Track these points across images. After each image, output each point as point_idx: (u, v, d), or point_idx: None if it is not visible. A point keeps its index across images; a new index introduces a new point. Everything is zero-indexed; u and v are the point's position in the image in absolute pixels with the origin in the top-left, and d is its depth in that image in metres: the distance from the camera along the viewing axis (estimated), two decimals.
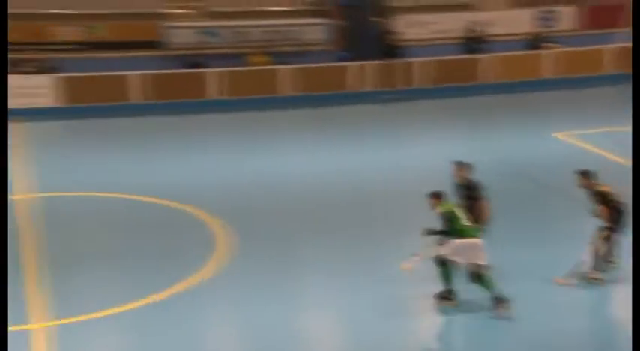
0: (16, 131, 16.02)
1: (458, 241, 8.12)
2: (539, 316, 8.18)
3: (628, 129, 14.44)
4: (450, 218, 8.18)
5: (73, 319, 8.02)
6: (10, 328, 7.50)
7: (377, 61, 19.94)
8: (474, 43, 20.56)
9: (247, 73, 19.17)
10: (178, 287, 8.78)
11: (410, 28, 20.91)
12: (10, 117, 16.47)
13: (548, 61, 20.05)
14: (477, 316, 8.20)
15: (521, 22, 21.04)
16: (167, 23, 19.55)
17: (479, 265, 8.10)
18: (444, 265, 8.26)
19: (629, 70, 20.70)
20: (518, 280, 8.76)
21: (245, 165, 13.86)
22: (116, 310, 8.26)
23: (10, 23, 17.93)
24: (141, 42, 19.38)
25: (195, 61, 19.30)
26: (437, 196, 8.34)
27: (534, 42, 20.59)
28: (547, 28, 21.05)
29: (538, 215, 11.50)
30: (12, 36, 17.81)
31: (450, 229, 8.15)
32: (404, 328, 8.17)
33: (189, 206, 11.47)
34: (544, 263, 9.53)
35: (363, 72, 19.85)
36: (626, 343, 6.70)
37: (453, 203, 8.50)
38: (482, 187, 8.81)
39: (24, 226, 10.70)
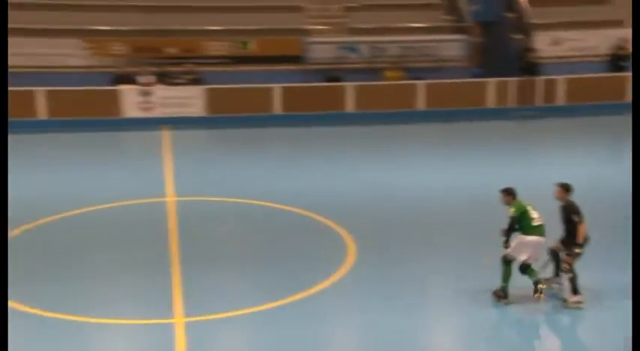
0: (167, 138, 17.54)
1: (524, 238, 8.76)
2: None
3: None
4: (520, 215, 8.75)
5: (208, 317, 8.55)
6: (153, 321, 8.44)
7: (515, 78, 19.82)
8: (620, 60, 19.85)
9: (382, 88, 19.71)
10: (307, 292, 9.19)
11: (551, 45, 20.57)
12: (164, 124, 18.18)
13: None
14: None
15: None
16: (309, 39, 20.47)
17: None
18: (507, 264, 8.83)
19: None
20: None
21: (376, 177, 14.25)
22: (247, 310, 8.71)
23: (168, 38, 19.79)
24: (284, 56, 20.41)
25: (333, 75, 20.10)
26: (509, 193, 8.93)
27: None
28: None
29: None
30: (170, 50, 19.73)
31: (520, 226, 8.75)
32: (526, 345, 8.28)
33: (320, 216, 11.94)
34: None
35: (500, 88, 19.80)
36: None
37: (526, 201, 8.91)
38: (579, 209, 8.72)
39: (171, 227, 11.53)
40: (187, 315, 8.64)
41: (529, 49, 20.26)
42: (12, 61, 18.47)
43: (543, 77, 19.70)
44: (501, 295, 8.92)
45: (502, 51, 21.97)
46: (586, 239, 8.79)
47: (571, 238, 8.74)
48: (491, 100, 19.64)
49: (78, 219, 11.82)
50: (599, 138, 17.54)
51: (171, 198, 12.90)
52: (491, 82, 19.84)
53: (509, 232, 8.82)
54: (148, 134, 17.90)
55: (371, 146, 17.12)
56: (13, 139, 16.79)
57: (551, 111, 19.40)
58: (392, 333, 8.26)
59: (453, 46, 20.88)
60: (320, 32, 21.00)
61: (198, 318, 8.55)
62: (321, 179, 14.20)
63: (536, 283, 8.86)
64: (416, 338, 8.34)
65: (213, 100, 18.92)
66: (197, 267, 9.96)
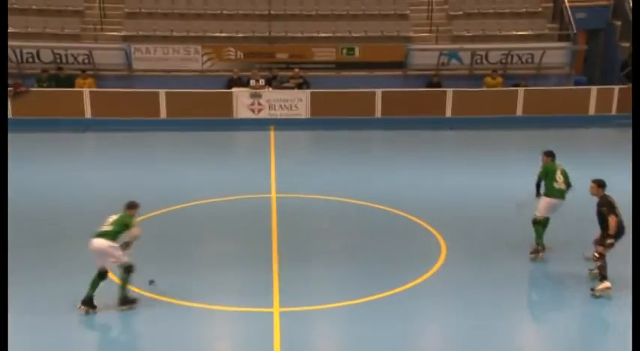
0: (274, 138, 18.73)
1: (544, 198, 10.55)
2: None
3: None
4: (546, 173, 10.57)
5: (303, 309, 9.12)
6: (253, 309, 9.02)
7: (619, 86, 19.70)
8: None
9: (481, 94, 20.12)
10: (399, 289, 9.65)
11: None
12: (271, 125, 19.36)
13: None
14: None
15: None
16: (411, 46, 21.17)
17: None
18: (535, 223, 10.71)
19: None
20: None
21: (469, 180, 14.72)
22: (338, 304, 9.17)
23: (278, 45, 21.03)
24: (388, 62, 21.18)
25: (434, 81, 20.70)
26: (548, 155, 10.84)
27: None
28: None
29: None
30: (279, 56, 21.00)
31: (544, 185, 10.57)
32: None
33: (414, 216, 12.51)
34: None
35: (603, 96, 19.74)
36: None
37: (560, 166, 10.67)
38: (611, 203, 9.48)
39: (273, 222, 12.22)
40: (284, 305, 9.13)
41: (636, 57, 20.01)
42: (138, 65, 20.55)
43: None
44: (537, 250, 10.64)
45: (606, 58, 21.83)
46: (619, 231, 9.33)
47: (604, 230, 9.41)
48: (593, 108, 19.64)
49: (190, 211, 12.77)
50: None
51: (274, 194, 13.70)
52: (594, 89, 19.82)
53: (536, 187, 10.76)
54: (257, 134, 19.15)
55: (467, 150, 17.60)
56: (138, 136, 18.71)
57: None
58: (478, 334, 8.63)
59: (555, 54, 20.97)
60: (423, 39, 21.65)
61: (293, 309, 9.04)
62: (417, 181, 14.77)
63: (537, 245, 10.68)
64: (503, 340, 8.67)
65: (318, 103, 19.97)
66: (295, 261, 10.56)
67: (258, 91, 20.03)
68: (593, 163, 15.86)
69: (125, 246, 9.05)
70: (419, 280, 10.02)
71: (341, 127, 19.46)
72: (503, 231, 12.00)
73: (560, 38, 21.27)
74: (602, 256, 9.45)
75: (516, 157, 16.65)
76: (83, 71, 20.30)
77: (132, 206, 9.22)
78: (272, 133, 19.01)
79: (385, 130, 19.62)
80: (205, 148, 18.00)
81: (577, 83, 20.55)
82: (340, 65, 21.16)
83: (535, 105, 19.83)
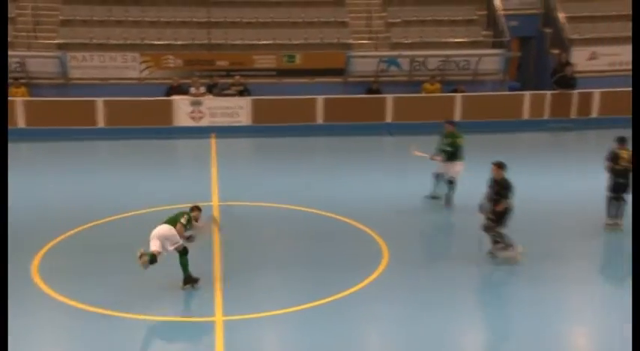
0: (215, 146, 18.61)
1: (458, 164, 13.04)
2: None
3: None
4: (451, 142, 13.12)
5: (247, 316, 9.09)
6: (194, 319, 8.99)
7: (550, 91, 20.37)
8: None
9: (420, 100, 20.48)
10: (344, 294, 9.73)
11: (587, 59, 21.03)
12: (212, 133, 19.21)
13: None
14: None
15: None
16: (351, 53, 21.39)
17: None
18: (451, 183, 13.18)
19: None
20: None
21: (413, 185, 14.81)
22: (284, 311, 9.21)
23: (218, 52, 20.92)
24: (328, 69, 21.34)
25: (373, 87, 20.96)
26: (453, 124, 13.59)
27: None
28: None
29: None
30: (220, 63, 20.88)
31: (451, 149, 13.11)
32: None
33: (357, 221, 12.61)
34: None
35: (536, 101, 20.37)
36: None
37: (462, 136, 13.06)
38: (510, 187, 10.48)
39: (214, 230, 11.92)
40: (227, 314, 9.10)
41: (566, 64, 20.76)
42: (74, 73, 20.10)
43: (579, 91, 20.18)
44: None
45: (538, 65, 22.54)
46: (505, 217, 10.49)
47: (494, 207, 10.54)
48: (526, 113, 20.25)
49: (129, 221, 12.58)
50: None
51: (216, 203, 13.64)
52: (527, 94, 20.44)
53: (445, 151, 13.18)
54: (198, 142, 19.01)
55: (407, 156, 17.73)
56: (74, 146, 18.29)
57: (587, 123, 19.85)
58: (423, 334, 8.81)
59: (490, 61, 21.53)
60: (363, 46, 21.91)
61: (236, 317, 9.02)
62: (359, 186, 14.90)
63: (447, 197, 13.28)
64: (447, 342, 8.81)
65: (259, 110, 19.96)
66: (238, 268, 10.54)
67: (198, 98, 19.88)
68: (528, 165, 16.36)
69: (190, 238, 9.89)
70: (362, 285, 10.11)
71: (283, 134, 19.48)
72: (444, 235, 12.25)
73: (495, 45, 21.86)
74: (491, 229, 10.62)
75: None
76: (16, 79, 19.74)
77: (197, 209, 10.21)
78: (213, 141, 18.89)
79: (327, 137, 19.74)
80: (144, 157, 17.75)
81: (511, 89, 21.15)
82: (281, 72, 21.21)
83: (472, 110, 20.30)
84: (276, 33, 21.82)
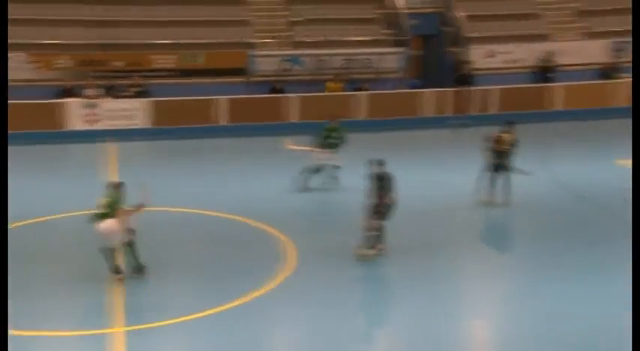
0: (112, 150, 17.85)
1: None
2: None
3: None
4: (339, 135, 14.28)
5: (148, 326, 8.75)
6: (89, 332, 8.50)
7: (450, 89, 20.79)
8: (546, 72, 21.00)
9: (325, 99, 20.42)
10: (247, 298, 9.51)
11: (484, 57, 21.60)
12: (109, 136, 18.43)
13: (618, 90, 20.25)
14: None
15: (593, 52, 21.32)
16: (254, 52, 21.08)
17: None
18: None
19: None
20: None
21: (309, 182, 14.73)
22: (186, 318, 8.93)
23: (114, 52, 20.11)
24: (230, 69, 20.96)
25: (277, 87, 20.73)
26: (334, 117, 14.08)
27: (607, 72, 20.83)
28: (620, 59, 21.22)
29: (590, 234, 12.07)
30: (116, 64, 20.07)
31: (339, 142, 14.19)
32: None
33: (263, 223, 12.41)
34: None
35: (437, 99, 20.73)
36: None
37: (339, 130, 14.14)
38: (391, 180, 10.69)
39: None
40: (128, 324, 8.80)
41: (464, 62, 21.26)
42: None
43: (478, 88, 20.69)
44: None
45: (438, 63, 22.99)
46: (388, 211, 10.62)
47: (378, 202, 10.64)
48: (425, 110, 20.57)
49: (16, 232, 11.75)
50: (529, 143, 18.37)
51: None
52: (428, 92, 20.77)
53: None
54: (93, 146, 18.17)
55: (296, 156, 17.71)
56: None
57: (485, 119, 20.36)
58: (330, 336, 8.70)
59: (391, 59, 21.77)
60: (265, 46, 21.65)
61: (138, 327, 8.73)
62: (266, 188, 14.67)
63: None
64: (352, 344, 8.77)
65: (159, 112, 19.33)
66: (140, 276, 10.15)
67: (93, 101, 19.01)
68: (429, 162, 16.64)
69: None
70: (269, 287, 9.93)
71: (184, 136, 18.96)
72: (352, 237, 12.20)
73: (396, 44, 22.10)
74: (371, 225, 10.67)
75: (362, 161, 16.92)
76: None
77: (117, 186, 10.12)
78: (110, 145, 18.12)
79: (230, 138, 19.36)
80: (34, 163, 16.80)
81: (411, 87, 21.45)
82: (182, 73, 20.65)
83: (376, 108, 20.43)
84: (175, 32, 21.20)
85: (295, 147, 14.36)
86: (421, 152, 17.83)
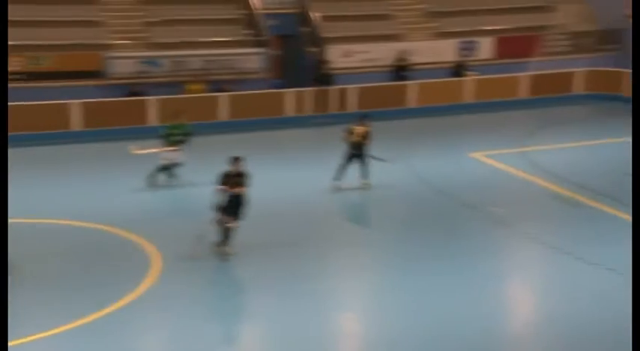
0: None
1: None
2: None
3: (537, 149, 15.93)
4: (184, 132, 14.41)
5: (11, 343, 8.21)
6: None
7: (311, 88, 21.08)
8: (401, 70, 21.87)
9: (185, 101, 20.01)
10: (110, 309, 9.26)
11: (342, 57, 22.12)
12: None
13: (467, 87, 21.51)
14: None
15: (444, 51, 22.48)
16: (109, 54, 20.27)
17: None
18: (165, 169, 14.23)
19: (540, 95, 22.52)
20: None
21: (183, 189, 14.56)
22: (47, 333, 8.61)
23: None
24: (84, 72, 20.00)
25: (135, 89, 20.06)
26: (177, 114, 14.73)
27: (456, 70, 22.05)
28: (467, 57, 22.53)
29: (449, 225, 12.66)
30: None
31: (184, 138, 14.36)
32: None
33: (125, 230, 12.06)
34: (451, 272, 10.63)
35: (298, 98, 20.96)
36: None
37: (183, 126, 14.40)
38: (248, 176, 10.97)
39: None
40: None
41: (323, 61, 21.65)
42: None
43: (336, 87, 21.14)
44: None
45: (298, 63, 23.27)
46: (242, 201, 10.91)
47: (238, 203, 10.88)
48: (288, 110, 20.76)
49: None
50: (387, 139, 19.03)
51: None
52: (290, 92, 20.96)
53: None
54: None
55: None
56: None
57: (345, 117, 20.83)
58: (199, 342, 8.59)
59: (253, 59, 21.75)
60: (121, 47, 20.88)
61: None
62: (123, 193, 14.22)
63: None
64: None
65: (9, 117, 18.04)
66: None
67: None
68: (291, 161, 16.80)
69: None
70: (134, 295, 9.64)
71: (34, 143, 17.85)
72: (211, 236, 12.02)
73: (256, 44, 22.10)
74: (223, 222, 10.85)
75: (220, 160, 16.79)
76: None
77: None
78: None
79: (87, 143, 18.46)
80: None
81: (273, 87, 21.54)
82: (31, 76, 19.44)
83: (238, 109, 20.31)
84: (20, 33, 19.89)
85: (140, 151, 14.20)
86: (283, 152, 17.96)
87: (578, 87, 22.28)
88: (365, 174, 14.38)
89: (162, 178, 14.47)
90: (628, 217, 12.43)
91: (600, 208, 12.95)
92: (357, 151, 14.27)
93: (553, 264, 11.06)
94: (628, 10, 23.30)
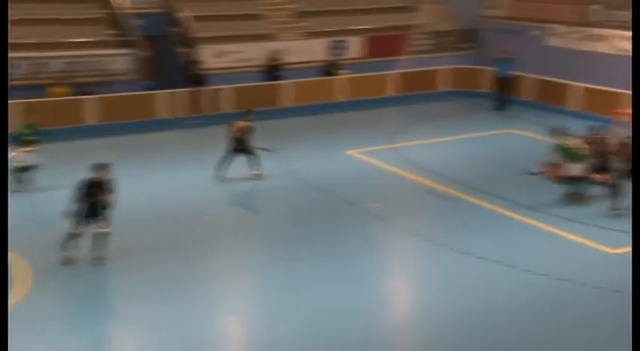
0: None
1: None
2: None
3: (408, 144, 16.44)
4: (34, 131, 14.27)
5: None
6: None
7: (183, 89, 20.62)
8: (274, 70, 21.91)
9: (48, 104, 18.94)
10: None
11: (214, 57, 21.82)
12: None
13: (340, 85, 21.91)
14: None
15: (315, 50, 22.75)
16: None
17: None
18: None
19: (408, 92, 23.27)
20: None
21: (49, 195, 13.85)
22: None
23: None
24: None
25: None
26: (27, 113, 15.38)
27: (328, 68, 22.39)
28: (338, 56, 22.95)
29: (329, 223, 12.82)
30: None
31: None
32: None
33: None
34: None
35: (170, 100, 20.44)
36: None
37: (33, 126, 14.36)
38: (113, 183, 10.79)
39: None
40: None
41: (195, 62, 21.24)
42: None
43: (210, 87, 20.81)
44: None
45: (169, 64, 22.73)
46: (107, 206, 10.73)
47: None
48: (160, 112, 20.21)
49: None
50: (265, 139, 18.93)
51: None
52: (162, 93, 20.39)
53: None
54: None
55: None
56: None
57: (220, 118, 20.59)
58: None
59: (120, 60, 20.96)
60: None
61: None
62: None
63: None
64: None
65: None
66: None
67: None
68: (166, 164, 16.37)
69: None
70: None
71: None
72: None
73: (123, 45, 21.32)
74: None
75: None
76: None
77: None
78: None
79: None
80: None
81: (145, 88, 20.87)
82: None
83: (107, 112, 19.50)
84: None
85: None
86: (157, 155, 17.46)
87: (443, 84, 23.31)
88: (253, 165, 14.99)
89: (19, 181, 13.78)
90: (495, 208, 13.20)
91: (469, 200, 13.58)
92: (238, 146, 14.88)
93: (428, 256, 11.48)
94: (485, 11, 24.75)
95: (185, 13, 22.47)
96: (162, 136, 19.47)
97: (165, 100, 20.38)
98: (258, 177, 14.98)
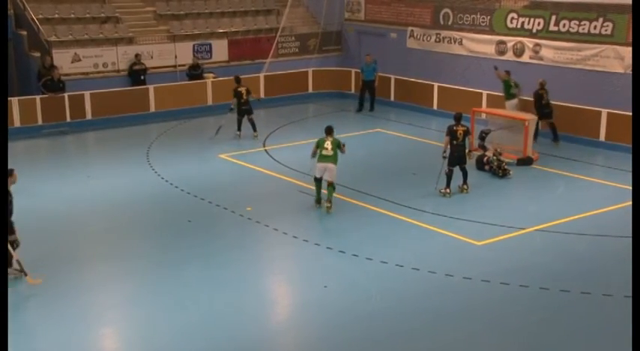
0: None
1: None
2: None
3: (278, 146, 16.48)
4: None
5: None
6: None
7: (39, 96, 19.41)
8: (137, 74, 21.19)
9: None
10: None
11: (70, 62, 20.74)
12: None
13: (207, 89, 21.57)
14: None
15: (179, 54, 22.24)
16: None
17: None
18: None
19: (277, 95, 23.32)
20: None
21: None
22: None
23: None
24: None
25: None
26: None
27: (192, 72, 21.97)
28: (203, 60, 22.59)
29: (205, 227, 12.58)
30: None
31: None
32: None
33: None
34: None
35: (24, 107, 19.15)
36: None
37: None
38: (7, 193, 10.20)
39: None
40: None
41: (49, 67, 20.04)
42: None
43: (69, 93, 19.73)
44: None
45: (22, 69, 21.38)
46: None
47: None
48: (15, 120, 18.91)
49: None
50: (133, 146, 18.26)
51: None
52: (14, 100, 19.06)
53: None
54: None
55: None
56: None
57: (83, 125, 19.69)
58: None
59: None
60: None
61: None
62: None
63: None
64: None
65: None
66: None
67: None
68: (32, 174, 15.37)
69: None
70: None
71: None
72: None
73: None
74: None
75: None
76: None
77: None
78: None
79: None
80: None
81: None
82: None
83: None
84: None
85: None
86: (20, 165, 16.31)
87: (311, 86, 23.62)
88: None
89: None
90: (367, 205, 13.54)
91: (342, 199, 13.84)
92: None
93: (305, 255, 11.57)
94: (347, 14, 25.36)
95: (34, 15, 21.14)
96: (18, 145, 18.11)
97: (18, 107, 19.06)
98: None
